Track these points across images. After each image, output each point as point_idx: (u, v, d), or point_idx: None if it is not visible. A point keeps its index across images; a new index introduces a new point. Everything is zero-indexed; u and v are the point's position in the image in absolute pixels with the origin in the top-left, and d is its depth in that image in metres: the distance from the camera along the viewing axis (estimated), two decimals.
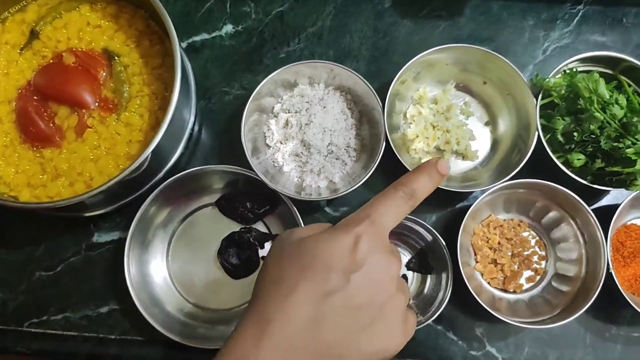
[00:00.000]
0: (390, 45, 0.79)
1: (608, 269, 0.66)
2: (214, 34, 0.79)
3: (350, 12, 0.79)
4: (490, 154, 0.76)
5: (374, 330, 0.39)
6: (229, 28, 0.79)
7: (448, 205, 0.75)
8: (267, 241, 0.73)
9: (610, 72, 0.74)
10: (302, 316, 0.38)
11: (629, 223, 0.75)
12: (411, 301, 0.72)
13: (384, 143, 0.69)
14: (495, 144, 0.76)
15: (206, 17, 0.79)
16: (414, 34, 0.79)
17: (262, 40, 0.79)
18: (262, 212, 0.72)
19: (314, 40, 0.79)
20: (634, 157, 0.65)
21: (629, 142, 0.66)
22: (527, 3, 0.79)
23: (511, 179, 0.68)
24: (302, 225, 0.69)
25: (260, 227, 0.74)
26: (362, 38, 0.79)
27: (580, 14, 0.79)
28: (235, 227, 0.73)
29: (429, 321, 0.67)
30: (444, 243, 0.69)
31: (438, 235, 0.69)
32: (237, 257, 0.72)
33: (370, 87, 0.71)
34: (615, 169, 0.66)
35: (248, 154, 0.68)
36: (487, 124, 0.77)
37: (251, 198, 0.72)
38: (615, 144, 0.66)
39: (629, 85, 0.73)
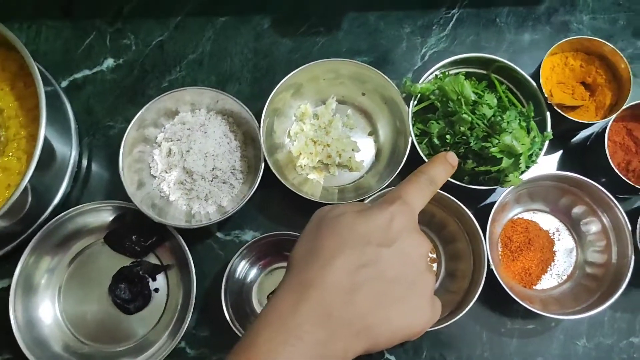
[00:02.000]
0: (271, 65, 0.80)
1: (489, 265, 0.68)
2: (95, 70, 0.79)
3: (229, 35, 0.80)
4: (375, 162, 0.77)
5: (404, 304, 0.41)
6: (110, 62, 0.79)
7: None
8: (159, 272, 0.73)
9: (484, 72, 0.76)
10: (340, 285, 0.39)
11: (515, 218, 0.76)
12: None
13: (263, 163, 0.70)
14: (378, 153, 0.77)
15: (87, 53, 0.79)
16: (294, 52, 0.80)
17: (144, 71, 0.79)
18: (150, 245, 0.72)
19: (195, 67, 0.79)
20: (499, 156, 0.66)
21: (496, 141, 0.67)
22: (403, 11, 0.81)
23: (391, 186, 0.69)
24: (190, 256, 0.69)
25: (152, 259, 0.74)
26: (243, 60, 0.80)
27: (455, 17, 0.81)
28: (127, 261, 0.73)
29: None
30: None
31: None
32: (129, 291, 0.71)
33: (246, 108, 0.72)
34: (483, 168, 0.67)
35: (128, 187, 0.69)
36: (370, 134, 0.78)
37: (137, 231, 0.72)
38: (484, 143, 0.67)
39: (501, 84, 0.75)
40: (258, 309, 0.73)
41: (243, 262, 0.72)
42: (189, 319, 0.68)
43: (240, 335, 0.68)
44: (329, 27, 0.80)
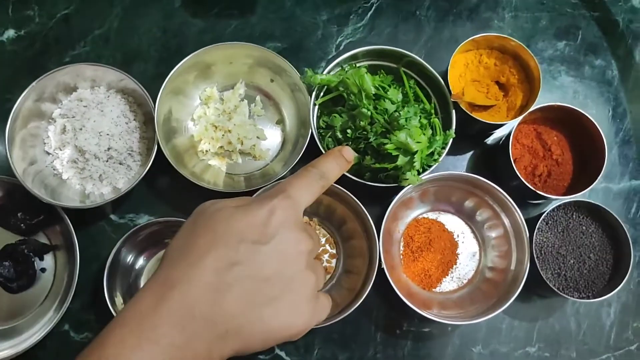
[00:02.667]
0: (180, 46, 0.77)
1: (380, 264, 0.66)
2: None
3: (139, 13, 0.77)
4: (281, 151, 0.75)
5: (279, 303, 0.38)
6: (10, 33, 0.76)
7: None
8: (46, 252, 0.71)
9: (395, 65, 0.73)
10: (206, 284, 0.37)
11: (420, 217, 0.74)
12: None
13: (156, 146, 0.68)
14: (285, 142, 0.75)
15: None
16: (205, 33, 0.77)
17: (46, 44, 0.76)
18: (36, 223, 0.69)
19: (101, 43, 0.76)
20: (394, 153, 0.64)
21: (394, 138, 0.65)
22: None
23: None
24: (75, 237, 0.67)
25: (42, 238, 0.72)
26: (151, 39, 0.77)
27: (373, 8, 0.79)
28: (14, 239, 0.71)
29: None
30: None
31: None
32: (14, 270, 0.69)
33: (142, 88, 0.69)
34: (378, 165, 0.65)
35: (16, 163, 0.67)
36: (278, 122, 0.76)
37: (24, 209, 0.69)
38: (382, 139, 0.65)
39: (411, 79, 0.72)
40: None
41: (132, 247, 0.70)
42: (69, 301, 0.66)
43: None
44: (242, 10, 0.78)
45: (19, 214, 0.69)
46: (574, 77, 0.77)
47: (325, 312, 0.42)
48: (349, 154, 0.48)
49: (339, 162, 0.47)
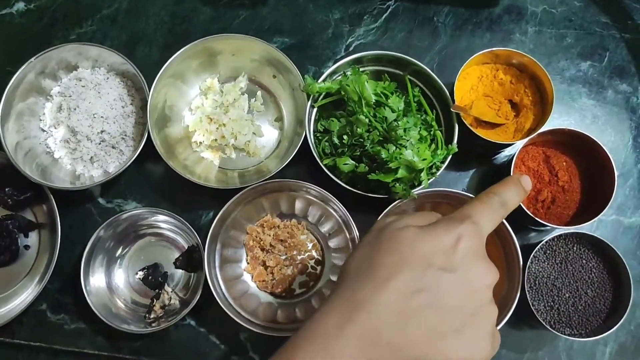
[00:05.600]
0: (186, 33, 0.75)
1: None
2: (4, 11, 0.76)
3: None
4: (277, 149, 0.73)
5: (461, 336, 0.37)
6: (20, 5, 0.76)
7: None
8: (31, 230, 0.71)
9: (400, 72, 0.70)
10: (392, 309, 0.36)
11: None
12: (175, 299, 0.68)
13: (147, 133, 0.66)
14: (282, 140, 0.73)
15: None
16: (213, 23, 0.75)
17: (54, 20, 0.76)
18: (24, 200, 0.69)
19: (108, 23, 0.75)
20: (394, 166, 0.61)
21: (393, 148, 0.62)
22: None
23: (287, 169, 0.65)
24: (59, 219, 0.66)
25: (29, 215, 0.71)
26: (158, 23, 0.76)
27: (389, 10, 0.75)
28: (0, 214, 0.70)
29: (178, 318, 0.64)
30: (200, 242, 0.66)
31: (196, 235, 0.66)
32: None
33: (141, 76, 0.68)
34: (375, 177, 0.62)
35: (6, 139, 0.66)
36: (277, 119, 0.74)
37: (13, 184, 0.69)
38: (379, 147, 0.62)
39: (415, 86, 0.69)
40: (122, 283, 0.70)
41: (114, 234, 0.69)
42: (46, 280, 0.65)
43: (94, 309, 0.65)
44: (254, 1, 0.75)
45: (7, 189, 0.69)
46: (595, 101, 0.73)
47: (497, 348, 0.41)
48: (528, 184, 0.45)
49: (518, 190, 0.44)
